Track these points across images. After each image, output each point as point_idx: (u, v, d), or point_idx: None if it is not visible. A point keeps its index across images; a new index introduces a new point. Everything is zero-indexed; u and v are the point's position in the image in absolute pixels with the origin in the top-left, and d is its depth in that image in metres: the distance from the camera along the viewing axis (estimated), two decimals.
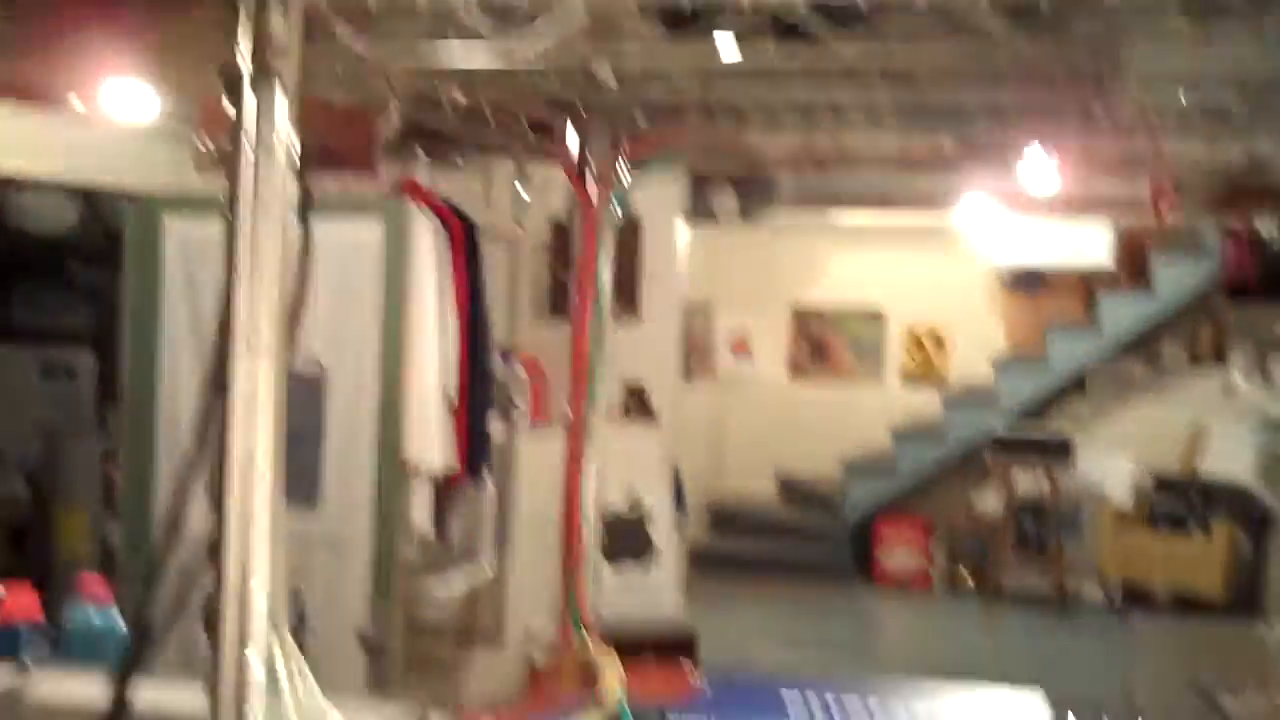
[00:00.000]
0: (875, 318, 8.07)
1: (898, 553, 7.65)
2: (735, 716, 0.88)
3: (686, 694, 1.10)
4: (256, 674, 0.72)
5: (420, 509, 3.85)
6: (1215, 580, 6.73)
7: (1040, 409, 7.50)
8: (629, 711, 1.03)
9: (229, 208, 0.72)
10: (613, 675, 1.10)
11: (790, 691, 0.91)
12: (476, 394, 3.92)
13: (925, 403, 7.76)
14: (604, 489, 5.04)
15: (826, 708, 0.89)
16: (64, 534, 5.13)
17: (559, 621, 1.20)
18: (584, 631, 1.21)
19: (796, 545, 7.75)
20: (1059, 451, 7.11)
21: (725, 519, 7.94)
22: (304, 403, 3.58)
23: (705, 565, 6.95)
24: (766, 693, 0.92)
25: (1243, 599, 6.45)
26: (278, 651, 0.70)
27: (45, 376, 5.72)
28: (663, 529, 5.62)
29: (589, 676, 1.14)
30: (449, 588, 4.28)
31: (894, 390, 8.07)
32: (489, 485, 4.22)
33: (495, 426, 4.27)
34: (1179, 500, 7.04)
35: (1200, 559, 6.86)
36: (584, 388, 1.09)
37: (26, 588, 2.07)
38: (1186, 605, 6.63)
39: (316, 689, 0.67)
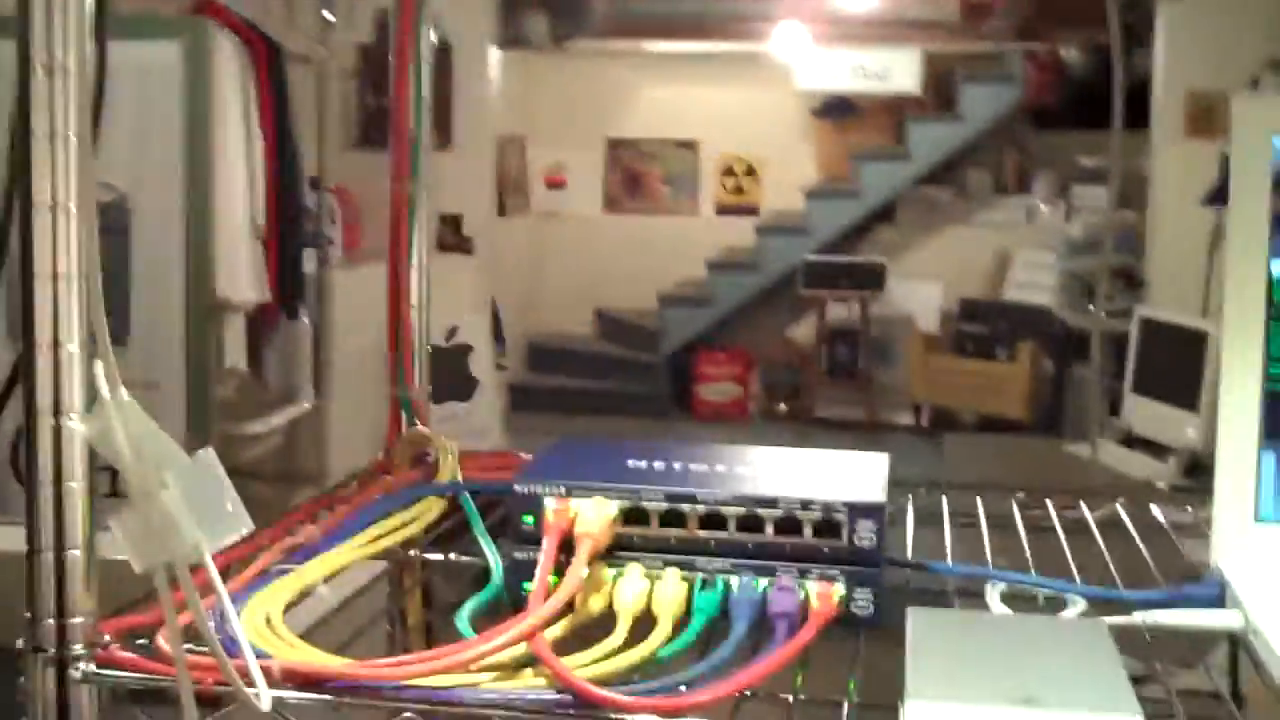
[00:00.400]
0: (689, 148, 8.05)
1: (715, 384, 7.73)
2: (576, 467, 0.85)
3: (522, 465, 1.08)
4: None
5: (234, 345, 3.77)
6: (1020, 401, 6.95)
7: (852, 237, 7.60)
8: (466, 485, 1.00)
9: (20, 25, 0.66)
10: (449, 456, 1.07)
11: (630, 448, 0.90)
12: (287, 225, 3.83)
13: (740, 234, 7.80)
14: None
15: (667, 460, 0.87)
16: None
17: (389, 408, 1.16)
18: (415, 417, 1.17)
19: (615, 379, 7.78)
20: (870, 278, 7.23)
21: (543, 355, 7.93)
22: (106, 235, 3.43)
23: (524, 401, 6.95)
24: (606, 450, 0.90)
25: (1045, 418, 6.68)
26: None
27: None
28: (482, 362, 5.59)
29: (422, 462, 1.10)
30: (268, 425, 4.22)
31: (709, 221, 8.09)
32: (305, 320, 4.15)
33: (308, 259, 4.18)
34: (985, 324, 7.23)
35: (1005, 381, 7.07)
36: (405, 218, 1.05)
37: None
38: (993, 426, 6.85)
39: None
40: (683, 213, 8.18)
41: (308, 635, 0.80)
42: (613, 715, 0.70)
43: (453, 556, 1.03)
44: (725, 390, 7.72)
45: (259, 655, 0.72)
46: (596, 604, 0.82)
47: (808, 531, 0.83)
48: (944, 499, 1.14)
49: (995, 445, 6.38)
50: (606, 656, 0.76)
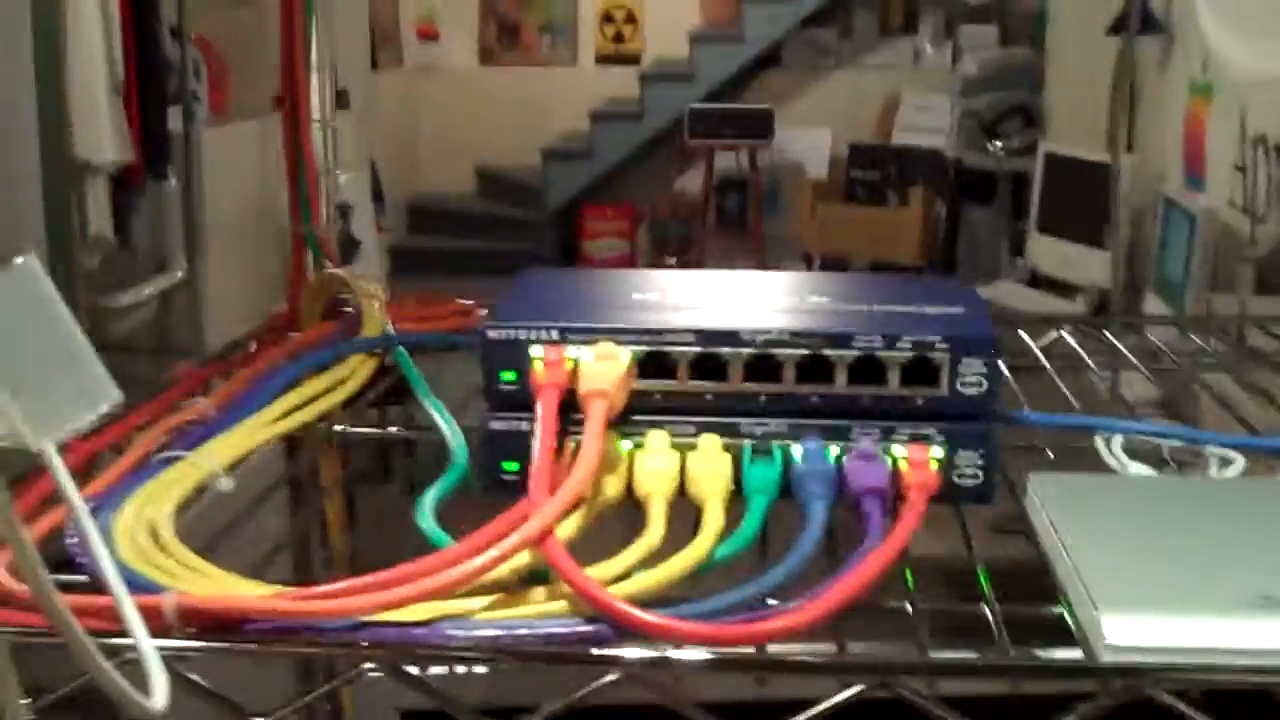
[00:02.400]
0: None
1: (602, 240, 7.49)
2: (565, 304, 0.62)
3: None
4: None
5: (97, 211, 3.48)
6: (914, 246, 6.80)
7: (737, 84, 7.35)
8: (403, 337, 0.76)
9: None
10: (375, 303, 0.82)
11: (633, 278, 0.66)
12: (148, 80, 3.52)
13: (622, 83, 7.51)
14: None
15: (689, 290, 0.64)
16: None
17: (292, 250, 0.93)
18: (324, 257, 0.93)
19: (499, 239, 7.50)
20: (757, 125, 7.00)
21: (424, 216, 7.62)
22: None
23: (406, 265, 6.64)
24: (599, 279, 0.67)
25: (939, 262, 6.55)
26: None
27: None
28: (363, 223, 5.30)
29: (338, 313, 0.86)
30: (138, 296, 3.93)
31: (589, 72, 7.78)
32: (173, 182, 3.87)
33: (173, 116, 3.89)
34: (875, 170, 7.05)
35: (898, 226, 6.91)
36: (301, 26, 0.83)
37: None
38: (887, 272, 6.70)
39: None
40: (562, 63, 7.85)
41: (210, 552, 0.57)
42: (676, 649, 0.48)
43: (393, 431, 0.79)
44: (612, 245, 7.49)
45: (142, 587, 0.49)
46: (611, 488, 0.59)
47: (894, 378, 0.61)
48: None
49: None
50: (643, 563, 0.53)
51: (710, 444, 0.61)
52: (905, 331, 0.60)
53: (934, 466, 0.60)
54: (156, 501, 0.61)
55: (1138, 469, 0.65)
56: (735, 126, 7.05)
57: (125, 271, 4.06)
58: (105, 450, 0.71)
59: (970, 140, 5.98)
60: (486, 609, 0.50)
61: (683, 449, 0.61)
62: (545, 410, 0.58)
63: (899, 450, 0.61)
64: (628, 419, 0.62)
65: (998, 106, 5.66)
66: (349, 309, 0.90)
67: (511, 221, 7.56)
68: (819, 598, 0.50)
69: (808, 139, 7.24)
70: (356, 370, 0.80)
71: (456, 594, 0.50)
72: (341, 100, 5.82)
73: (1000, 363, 0.61)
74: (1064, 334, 0.96)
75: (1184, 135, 3.51)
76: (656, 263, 7.43)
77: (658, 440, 0.61)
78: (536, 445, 0.56)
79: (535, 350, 0.61)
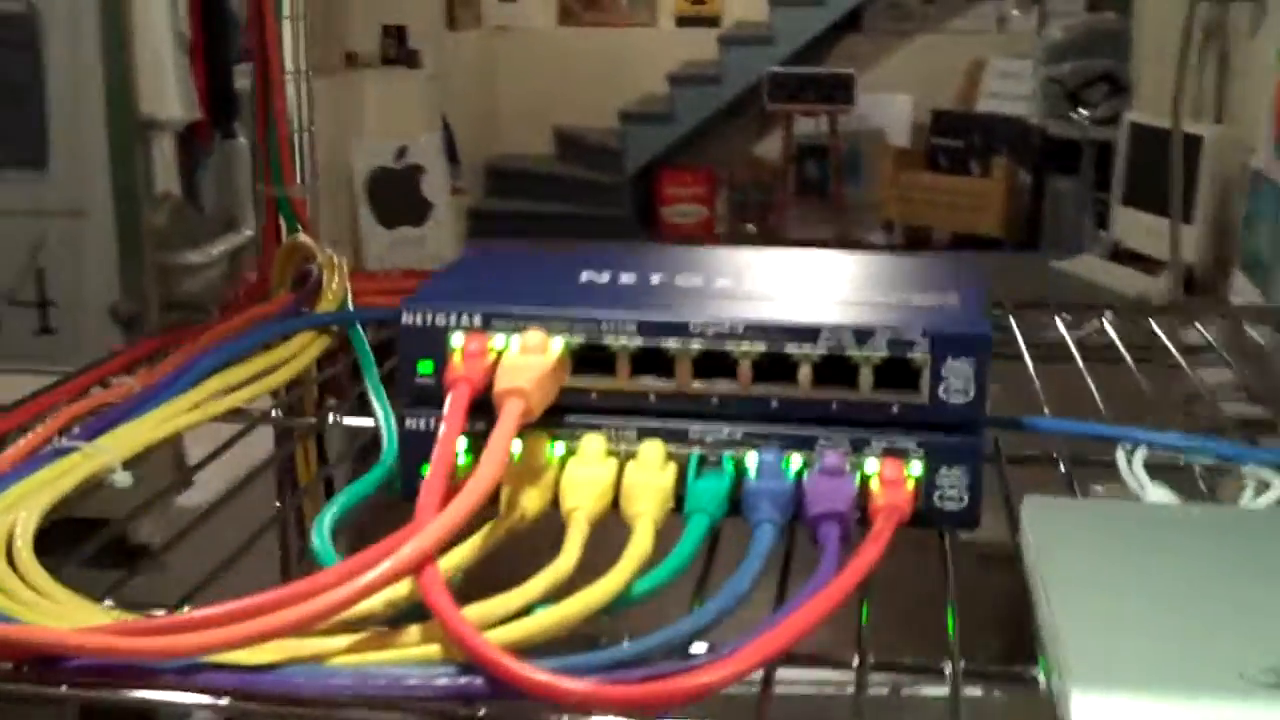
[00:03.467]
0: None
1: (680, 205, 7.40)
2: (500, 285, 0.54)
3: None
4: None
5: (164, 168, 3.46)
6: (995, 217, 6.65)
7: (818, 48, 7.21)
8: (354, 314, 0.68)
9: None
10: (336, 274, 0.75)
11: (585, 256, 0.58)
12: (215, 38, 3.50)
13: (702, 46, 7.40)
14: (369, 141, 4.63)
15: (641, 272, 0.55)
16: None
17: (262, 214, 0.86)
18: (297, 223, 0.86)
19: (577, 202, 7.44)
20: (838, 90, 6.87)
21: (502, 178, 7.58)
22: (15, 50, 3.11)
23: (485, 227, 6.61)
24: (546, 261, 0.58)
25: (1022, 234, 6.40)
26: None
27: None
28: (435, 183, 5.23)
29: (304, 283, 0.78)
30: (207, 256, 3.90)
31: (669, 33, 7.68)
32: (242, 140, 3.84)
33: (240, 74, 3.85)
34: (958, 137, 6.89)
35: (981, 196, 6.76)
36: (267, 21, 0.77)
37: None
38: (968, 243, 6.56)
39: None
40: (641, 24, 7.75)
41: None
42: (555, 712, 0.40)
43: (335, 420, 0.71)
44: (690, 211, 7.39)
45: None
46: (533, 501, 0.51)
47: (865, 379, 0.52)
48: None
49: (975, 263, 6.08)
50: (546, 598, 0.45)
51: (651, 452, 0.53)
52: (881, 325, 0.52)
53: (910, 486, 0.52)
54: (31, 499, 0.54)
55: (1156, 492, 0.56)
56: (815, 91, 6.93)
57: (194, 230, 4.04)
58: (12, 432, 0.64)
59: (1054, 108, 5.80)
60: (349, 650, 0.42)
61: (621, 456, 0.53)
62: (451, 409, 0.50)
63: (872, 465, 0.52)
64: (560, 420, 0.54)
65: (1083, 73, 5.48)
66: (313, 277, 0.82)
67: (590, 184, 7.49)
68: (736, 653, 0.41)
69: (889, 105, 7.10)
70: (305, 349, 0.73)
71: (313, 631, 0.42)
72: (412, 60, 5.75)
73: (987, 364, 0.51)
74: (1104, 322, 0.86)
75: (1275, 105, 3.35)
76: (735, 228, 7.33)
77: (592, 446, 0.53)
78: (435, 453, 0.48)
79: (457, 337, 0.53)
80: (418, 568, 0.43)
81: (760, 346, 0.52)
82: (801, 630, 0.42)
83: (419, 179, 5.13)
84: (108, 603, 0.48)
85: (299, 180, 0.89)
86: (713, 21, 7.61)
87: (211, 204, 3.93)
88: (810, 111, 6.97)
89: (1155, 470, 0.60)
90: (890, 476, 0.51)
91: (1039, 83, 6.09)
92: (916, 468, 0.52)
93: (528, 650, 0.42)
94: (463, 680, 0.41)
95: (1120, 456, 0.60)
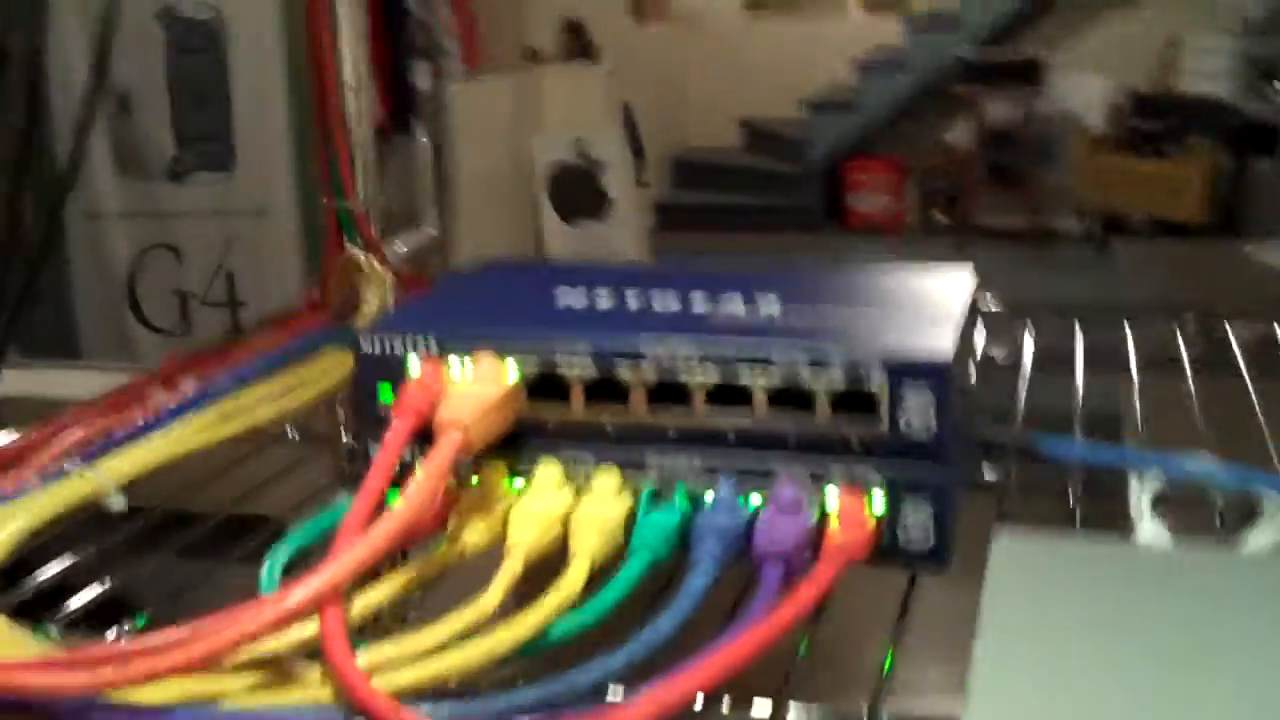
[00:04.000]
0: None
1: (868, 194, 7.31)
2: (470, 307, 0.53)
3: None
4: None
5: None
6: (1194, 202, 6.41)
7: (1008, 31, 7.05)
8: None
9: None
10: (378, 290, 0.75)
11: (574, 273, 0.57)
12: (395, 36, 3.58)
13: (888, 32, 7.29)
14: (549, 136, 4.66)
15: (621, 294, 0.54)
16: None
17: (326, 224, 0.86)
18: (357, 235, 0.86)
19: (764, 193, 7.41)
20: (1030, 74, 6.71)
21: (689, 170, 7.58)
22: (203, 57, 3.24)
23: (672, 220, 6.63)
24: (536, 279, 0.57)
25: (1223, 220, 6.16)
26: None
27: None
28: (617, 178, 5.25)
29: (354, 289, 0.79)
30: (390, 252, 3.98)
31: (856, 20, 7.59)
32: (423, 140, 3.92)
33: (421, 73, 3.93)
34: (1156, 120, 6.67)
35: (1180, 180, 6.53)
36: (323, 34, 0.77)
37: None
38: (1166, 230, 6.34)
39: None
40: (827, 12, 7.67)
41: None
42: None
43: (346, 441, 0.71)
44: (878, 201, 7.30)
45: None
46: (476, 535, 0.50)
47: (823, 409, 0.50)
48: (1077, 329, 0.80)
49: (1169, 251, 5.87)
50: (458, 636, 0.44)
51: (605, 484, 0.51)
52: (837, 353, 0.49)
53: (871, 522, 0.49)
54: (11, 521, 0.55)
55: (1150, 529, 0.52)
56: (1006, 75, 6.79)
57: (377, 226, 4.12)
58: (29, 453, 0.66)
59: (1252, 86, 5.58)
60: (251, 689, 0.42)
61: (579, 488, 0.52)
62: (387, 442, 0.49)
63: (833, 499, 0.50)
64: (519, 450, 0.53)
65: None
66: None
67: (776, 175, 7.44)
68: (642, 700, 0.40)
69: (1083, 87, 6.90)
70: (331, 369, 0.73)
71: (220, 668, 0.42)
72: (592, 54, 5.80)
73: (949, 393, 0.49)
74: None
75: None
76: (924, 218, 7.21)
77: (546, 476, 0.52)
78: (364, 483, 0.47)
79: (414, 363, 0.52)
80: (314, 608, 0.42)
81: (714, 376, 0.50)
82: (702, 683, 0.41)
83: (600, 173, 5.16)
84: (53, 631, 0.48)
85: (360, 192, 0.90)
86: (900, 7, 7.50)
87: (393, 202, 4.03)
88: (1000, 97, 6.83)
89: (1179, 504, 0.56)
90: (848, 512, 0.49)
91: (1236, 60, 5.86)
92: (879, 503, 0.50)
93: (430, 694, 0.42)
94: None
95: (1133, 486, 0.57)
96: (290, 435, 0.69)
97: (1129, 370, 0.77)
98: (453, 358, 0.52)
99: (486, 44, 4.77)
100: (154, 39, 3.05)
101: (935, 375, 0.49)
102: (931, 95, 7.12)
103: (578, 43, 5.51)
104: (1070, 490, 0.59)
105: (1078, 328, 0.82)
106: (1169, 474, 0.56)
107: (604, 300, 0.56)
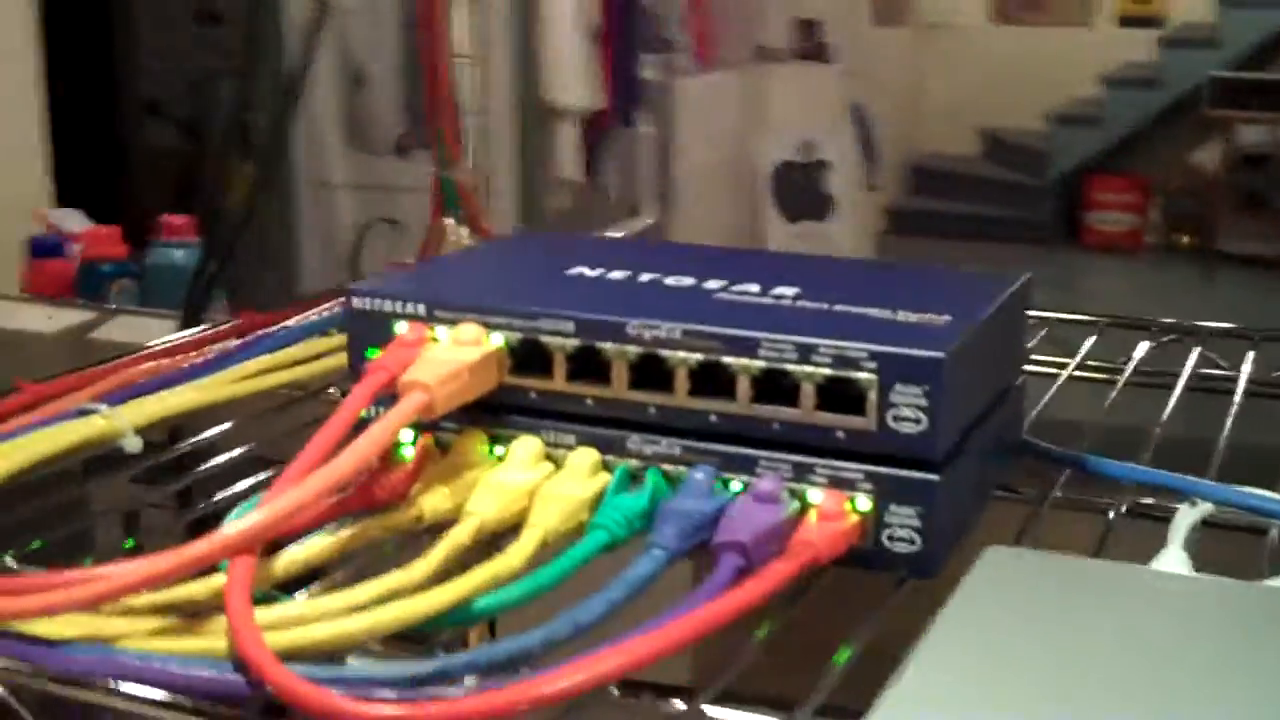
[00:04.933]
0: None
1: (1108, 211, 7.09)
2: (471, 277, 0.51)
3: None
4: None
5: (567, 154, 3.59)
6: None
7: (1269, 50, 6.75)
8: None
9: None
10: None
11: (599, 248, 0.55)
12: (623, 25, 3.61)
13: (1140, 47, 7.05)
14: (774, 134, 4.64)
15: (637, 271, 0.51)
16: (233, 185, 4.95)
17: (431, 202, 0.86)
18: (459, 204, 0.86)
19: (998, 204, 7.24)
20: None
21: (925, 176, 7.45)
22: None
23: (904, 225, 6.55)
24: (555, 249, 0.56)
25: None
26: None
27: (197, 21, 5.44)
28: (843, 179, 5.18)
29: None
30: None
31: (1108, 32, 7.35)
32: (646, 130, 3.94)
33: (648, 64, 3.94)
34: None
35: None
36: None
37: (113, 228, 1.84)
38: None
39: None
40: (1076, 22, 7.45)
41: None
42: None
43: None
44: (1119, 219, 7.08)
45: None
46: (435, 501, 0.48)
47: (808, 399, 0.47)
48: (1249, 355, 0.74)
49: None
50: (377, 601, 0.42)
51: (580, 461, 0.49)
52: (825, 341, 0.46)
53: (851, 521, 0.46)
54: (21, 450, 0.55)
55: (1170, 556, 0.47)
56: (1263, 97, 6.52)
57: (596, 214, 4.17)
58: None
59: None
60: (150, 635, 0.41)
61: (557, 463, 0.50)
62: (354, 392, 0.48)
63: (815, 495, 0.47)
64: (501, 420, 0.51)
65: None
66: None
67: (1014, 187, 7.27)
68: (530, 680, 0.37)
69: None
70: None
71: (116, 610, 0.41)
72: (824, 55, 5.74)
73: (944, 391, 0.45)
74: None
75: None
76: (1166, 240, 6.97)
77: (523, 450, 0.50)
78: (315, 437, 0.46)
79: (400, 327, 0.51)
80: (225, 555, 0.41)
81: (697, 355, 0.47)
82: (605, 673, 0.38)
83: (824, 174, 5.10)
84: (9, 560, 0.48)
85: (467, 162, 0.89)
86: (1155, 22, 7.24)
87: (615, 189, 4.04)
88: (1256, 119, 6.57)
89: (1226, 533, 0.51)
90: (830, 510, 0.46)
91: None
92: (864, 502, 0.46)
93: (341, 657, 0.40)
94: (231, 678, 0.39)
95: (1180, 511, 0.52)
96: (333, 393, 0.69)
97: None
98: (440, 326, 0.51)
99: (720, 40, 4.76)
100: (389, 17, 3.13)
101: (928, 371, 0.45)
102: (1181, 114, 6.87)
103: (810, 41, 5.45)
104: (1113, 512, 0.54)
105: (1250, 354, 0.76)
106: (1220, 502, 0.51)
107: (612, 276, 0.54)
